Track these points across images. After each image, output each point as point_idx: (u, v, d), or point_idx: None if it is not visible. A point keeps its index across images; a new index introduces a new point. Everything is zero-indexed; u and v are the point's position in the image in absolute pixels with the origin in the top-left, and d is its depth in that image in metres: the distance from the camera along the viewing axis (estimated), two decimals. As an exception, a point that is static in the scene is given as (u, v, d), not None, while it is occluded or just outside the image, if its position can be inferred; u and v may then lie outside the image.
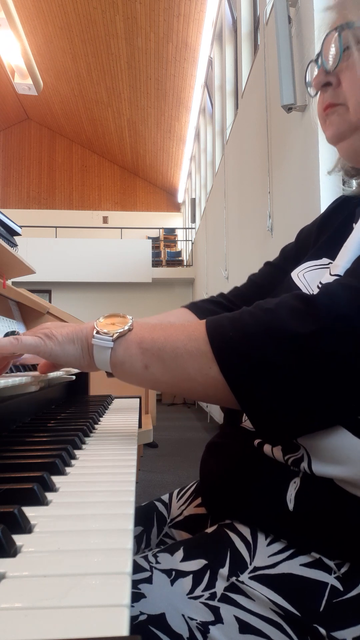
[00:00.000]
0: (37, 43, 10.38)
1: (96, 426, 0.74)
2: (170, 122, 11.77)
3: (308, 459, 0.49)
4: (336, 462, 0.47)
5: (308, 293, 0.48)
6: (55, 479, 0.43)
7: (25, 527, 0.32)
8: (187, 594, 0.49)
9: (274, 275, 0.79)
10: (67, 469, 0.47)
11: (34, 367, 1.04)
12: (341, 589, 0.46)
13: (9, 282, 1.53)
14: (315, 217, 0.78)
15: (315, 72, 0.63)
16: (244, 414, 0.58)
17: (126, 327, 0.56)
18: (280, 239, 3.81)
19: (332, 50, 0.58)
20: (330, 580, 0.47)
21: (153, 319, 0.88)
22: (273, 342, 0.45)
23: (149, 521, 0.75)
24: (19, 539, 0.31)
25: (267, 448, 0.55)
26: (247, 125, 5.11)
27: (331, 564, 0.48)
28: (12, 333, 0.68)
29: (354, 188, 0.71)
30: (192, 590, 0.49)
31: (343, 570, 0.47)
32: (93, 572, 0.27)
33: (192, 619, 0.48)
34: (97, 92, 11.96)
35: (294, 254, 0.77)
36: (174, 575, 0.51)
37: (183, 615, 0.48)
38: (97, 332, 0.56)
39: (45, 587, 0.25)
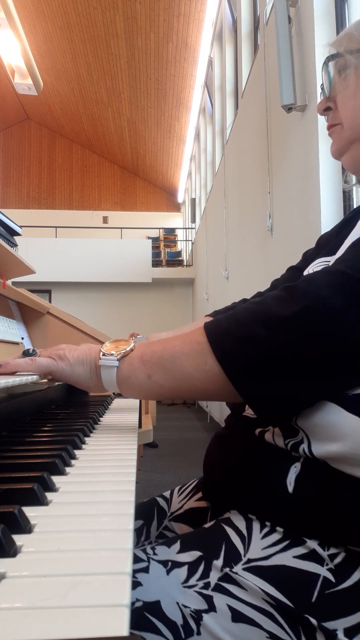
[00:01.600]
0: (37, 43, 10.38)
1: (96, 426, 0.74)
2: (170, 122, 11.77)
3: (308, 441, 0.52)
4: (332, 439, 0.49)
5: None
6: (56, 479, 0.43)
7: (25, 527, 0.32)
8: (182, 583, 0.51)
9: (295, 278, 0.84)
10: (67, 469, 0.47)
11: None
12: (333, 580, 0.48)
13: (9, 282, 1.53)
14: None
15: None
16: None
17: (129, 348, 0.62)
18: (280, 239, 3.81)
19: (327, 79, 0.69)
20: (323, 571, 0.48)
21: (169, 334, 0.96)
22: (260, 325, 0.50)
23: (149, 515, 0.77)
24: (19, 539, 0.31)
25: (268, 436, 0.57)
26: (247, 125, 5.11)
27: (324, 555, 0.49)
28: (29, 352, 0.74)
29: (353, 182, 0.76)
30: (186, 580, 0.51)
31: (336, 562, 0.49)
32: (93, 572, 0.27)
33: (186, 606, 0.49)
34: (97, 92, 11.96)
35: (314, 257, 0.81)
36: (170, 565, 0.53)
37: (177, 603, 0.50)
38: (104, 354, 0.63)
39: (45, 587, 0.25)
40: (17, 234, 1.65)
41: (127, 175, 15.71)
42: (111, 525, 0.33)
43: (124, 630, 0.21)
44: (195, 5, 7.88)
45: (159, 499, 0.80)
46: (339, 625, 0.45)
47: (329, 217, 2.78)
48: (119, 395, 1.23)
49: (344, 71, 0.65)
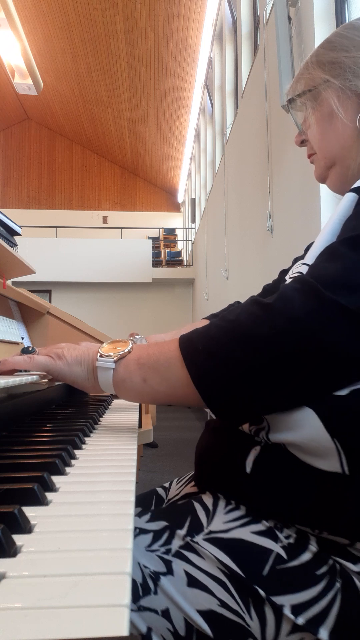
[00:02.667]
0: (37, 43, 10.38)
1: (96, 426, 0.74)
2: (170, 122, 11.78)
3: (267, 428, 0.55)
4: (289, 428, 0.52)
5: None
6: (56, 479, 0.43)
7: (25, 527, 0.32)
8: (146, 547, 0.55)
9: (284, 282, 0.85)
10: (67, 469, 0.47)
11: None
12: (285, 557, 0.50)
13: (9, 282, 1.53)
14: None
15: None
16: None
17: (126, 350, 0.63)
18: (280, 239, 3.81)
19: (293, 120, 0.78)
20: (276, 548, 0.51)
21: (168, 335, 0.97)
22: (235, 344, 0.51)
23: (147, 503, 0.80)
24: (19, 539, 0.31)
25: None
26: (247, 125, 5.11)
27: (280, 534, 0.52)
28: (27, 349, 0.75)
29: None
30: (150, 545, 0.55)
31: (290, 541, 0.52)
32: (93, 572, 0.27)
33: (146, 567, 0.53)
34: (97, 92, 11.96)
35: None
36: (138, 532, 0.57)
37: (139, 564, 0.53)
38: (101, 355, 0.63)
39: (45, 587, 0.25)
40: (17, 234, 1.65)
41: (127, 175, 15.72)
42: (111, 525, 0.33)
43: (124, 630, 0.21)
44: (195, 5, 7.88)
45: (159, 489, 0.83)
46: (286, 601, 0.48)
47: (328, 217, 2.77)
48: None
49: (305, 111, 0.73)
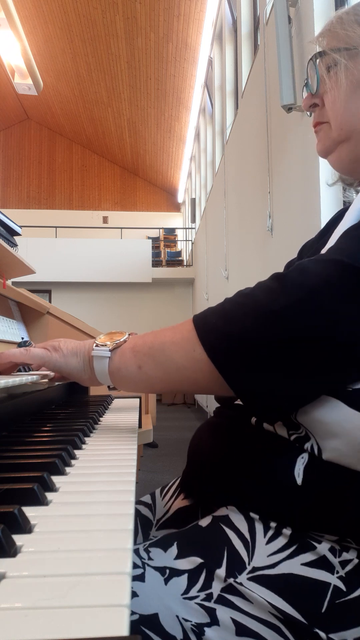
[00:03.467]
0: (37, 43, 10.37)
1: (96, 426, 0.74)
2: (170, 122, 11.77)
3: (315, 441, 0.49)
4: (334, 435, 0.47)
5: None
6: (56, 479, 0.43)
7: (25, 527, 0.32)
8: (182, 594, 0.48)
9: None
10: (67, 469, 0.47)
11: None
12: (344, 589, 0.45)
13: (9, 282, 1.53)
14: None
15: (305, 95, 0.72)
16: None
17: (122, 339, 0.62)
18: (280, 239, 3.81)
19: (313, 76, 0.67)
20: (333, 580, 0.46)
21: None
22: (250, 319, 0.48)
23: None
24: (19, 539, 0.31)
25: (267, 425, 0.54)
26: (247, 125, 5.11)
27: (335, 561, 0.46)
28: (25, 343, 0.75)
29: (354, 195, 0.74)
30: (187, 591, 0.48)
31: (347, 569, 0.46)
32: (93, 572, 0.27)
33: (186, 620, 0.46)
34: (97, 92, 11.96)
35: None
36: (168, 573, 0.50)
37: (177, 616, 0.46)
38: (97, 345, 0.63)
39: (45, 587, 0.25)
40: (17, 234, 1.65)
41: (127, 175, 15.71)
42: (111, 525, 0.33)
43: (124, 630, 0.21)
44: (195, 5, 7.87)
45: (140, 507, 0.74)
46: (349, 636, 0.44)
47: (328, 217, 2.77)
48: (119, 396, 1.23)
49: (333, 69, 0.63)
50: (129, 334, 0.64)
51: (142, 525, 0.71)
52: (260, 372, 0.48)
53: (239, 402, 0.62)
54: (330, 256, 0.48)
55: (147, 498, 0.76)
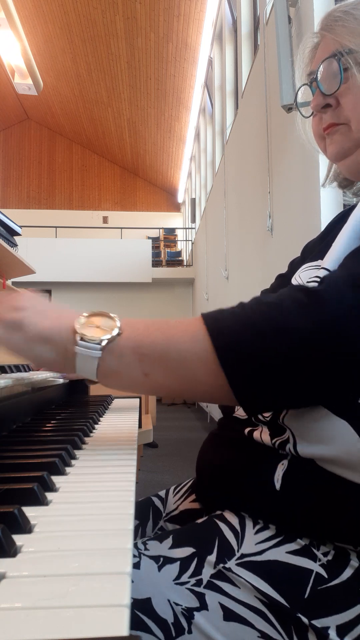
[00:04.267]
0: (37, 43, 10.37)
1: (96, 426, 0.74)
2: (170, 122, 11.77)
3: (293, 440, 0.51)
4: (320, 441, 0.49)
5: (310, 286, 0.48)
6: (56, 479, 0.43)
7: (25, 527, 0.32)
8: (174, 580, 0.50)
9: (282, 286, 0.80)
10: (67, 469, 0.47)
11: (28, 368, 1.04)
12: (326, 576, 0.47)
13: (9, 282, 1.53)
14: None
15: (301, 93, 0.69)
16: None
17: (115, 332, 0.49)
18: (280, 239, 3.81)
19: (331, 75, 0.62)
20: (315, 567, 0.48)
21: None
22: (280, 339, 0.44)
23: (144, 515, 0.75)
24: (19, 539, 0.31)
25: (256, 435, 0.56)
26: (247, 125, 5.11)
27: (317, 552, 0.49)
28: None
29: (354, 200, 0.74)
30: (178, 577, 0.50)
31: (328, 558, 0.48)
32: (93, 572, 0.27)
33: (177, 604, 0.48)
34: (97, 92, 11.96)
35: (300, 264, 0.78)
36: (162, 561, 0.52)
37: (169, 601, 0.48)
38: (82, 339, 0.48)
39: (45, 587, 0.25)
40: (17, 234, 1.65)
41: (127, 175, 15.71)
42: (111, 525, 0.33)
43: (124, 630, 0.21)
44: (195, 5, 7.87)
45: (155, 499, 0.78)
46: (331, 623, 0.45)
47: (329, 217, 2.77)
48: (119, 396, 1.22)
49: (351, 69, 0.60)
50: (115, 319, 0.51)
51: (154, 514, 0.75)
52: (274, 390, 0.46)
53: (237, 414, 0.64)
54: (352, 278, 0.46)
55: (162, 492, 0.80)
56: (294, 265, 0.81)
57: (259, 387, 0.46)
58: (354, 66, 0.59)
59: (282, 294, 0.47)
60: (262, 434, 0.56)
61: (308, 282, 0.59)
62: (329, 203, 2.82)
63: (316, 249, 0.72)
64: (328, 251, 0.60)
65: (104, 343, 0.48)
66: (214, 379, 0.46)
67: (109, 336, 0.48)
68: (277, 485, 0.51)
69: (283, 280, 0.84)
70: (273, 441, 0.54)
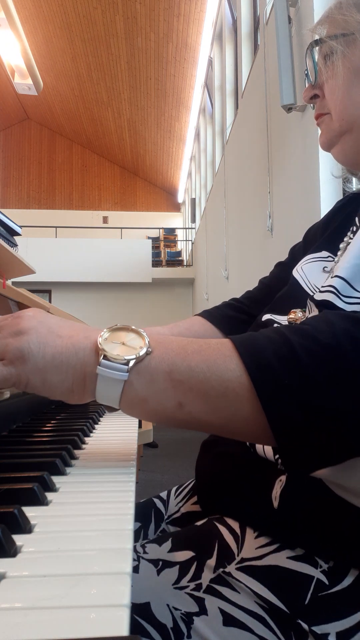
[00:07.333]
0: (37, 43, 10.38)
1: (96, 426, 0.74)
2: (170, 122, 11.78)
3: None
4: (339, 469, 0.47)
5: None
6: (56, 479, 0.43)
7: (25, 527, 0.32)
8: (173, 584, 0.49)
9: (282, 275, 0.78)
10: (68, 469, 0.47)
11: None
12: (326, 582, 0.46)
13: (9, 282, 1.53)
14: (315, 217, 0.79)
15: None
16: None
17: (144, 350, 0.41)
18: (280, 238, 3.81)
19: (312, 66, 0.63)
20: (316, 574, 0.47)
21: (164, 329, 0.78)
22: (341, 390, 0.37)
23: (146, 517, 0.74)
24: (19, 539, 0.31)
25: (259, 447, 0.55)
26: (247, 125, 5.11)
27: (318, 559, 0.48)
28: None
29: (354, 188, 0.72)
30: (177, 581, 0.49)
31: (329, 565, 0.47)
32: (93, 572, 0.27)
33: (176, 609, 0.47)
34: (97, 92, 11.96)
35: (302, 252, 0.76)
36: (161, 565, 0.51)
37: (168, 605, 0.48)
38: (105, 358, 0.41)
39: (45, 587, 0.25)
40: (17, 234, 1.65)
41: (127, 175, 15.72)
42: (111, 525, 0.33)
43: (124, 630, 0.21)
44: (195, 5, 7.88)
45: (156, 500, 0.77)
46: (331, 629, 0.44)
47: (329, 217, 2.77)
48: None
49: (330, 58, 0.59)
50: (144, 335, 0.43)
51: (155, 516, 0.74)
52: (331, 455, 0.42)
53: None
54: None
55: (164, 494, 0.78)
56: (296, 253, 0.79)
57: (310, 447, 0.40)
58: (333, 54, 0.58)
59: (336, 330, 0.39)
60: (264, 448, 0.53)
61: (322, 291, 0.52)
62: (329, 203, 2.82)
63: (319, 236, 0.71)
64: (342, 252, 0.58)
65: (131, 363, 0.40)
66: (254, 422, 0.39)
67: (135, 356, 0.41)
68: (275, 504, 0.49)
69: (283, 268, 0.82)
70: (276, 457, 0.52)
